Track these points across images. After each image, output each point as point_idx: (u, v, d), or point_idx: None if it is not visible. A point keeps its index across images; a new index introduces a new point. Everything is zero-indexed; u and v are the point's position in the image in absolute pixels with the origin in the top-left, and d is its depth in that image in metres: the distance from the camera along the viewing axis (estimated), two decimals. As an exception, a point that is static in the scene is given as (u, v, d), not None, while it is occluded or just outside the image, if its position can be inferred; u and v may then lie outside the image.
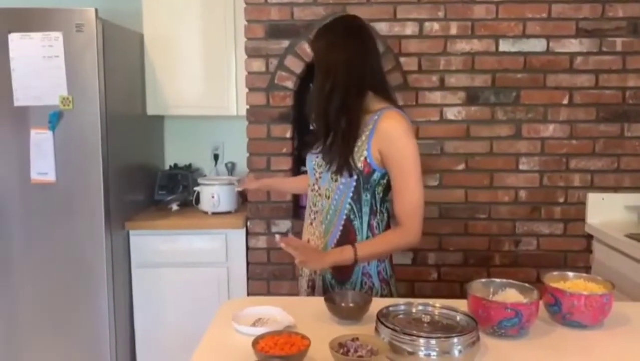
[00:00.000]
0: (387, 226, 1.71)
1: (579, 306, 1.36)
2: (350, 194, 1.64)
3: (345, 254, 1.59)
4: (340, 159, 1.60)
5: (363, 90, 1.63)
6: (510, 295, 1.39)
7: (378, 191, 1.66)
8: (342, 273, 1.68)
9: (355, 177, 1.61)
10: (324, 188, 1.67)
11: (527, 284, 1.42)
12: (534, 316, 1.33)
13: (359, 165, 1.60)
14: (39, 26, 2.37)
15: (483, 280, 1.46)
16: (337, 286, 1.69)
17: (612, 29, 2.53)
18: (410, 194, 1.59)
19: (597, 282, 1.46)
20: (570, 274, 1.51)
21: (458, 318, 1.29)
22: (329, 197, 1.66)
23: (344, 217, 1.65)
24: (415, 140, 1.61)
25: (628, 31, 2.52)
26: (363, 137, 1.60)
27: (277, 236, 1.56)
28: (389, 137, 1.58)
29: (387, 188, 1.67)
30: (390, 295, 1.74)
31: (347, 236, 1.66)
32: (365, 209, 1.65)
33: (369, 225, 1.66)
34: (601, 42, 2.54)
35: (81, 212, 2.47)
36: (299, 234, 2.61)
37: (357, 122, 1.61)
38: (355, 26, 1.67)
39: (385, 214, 1.70)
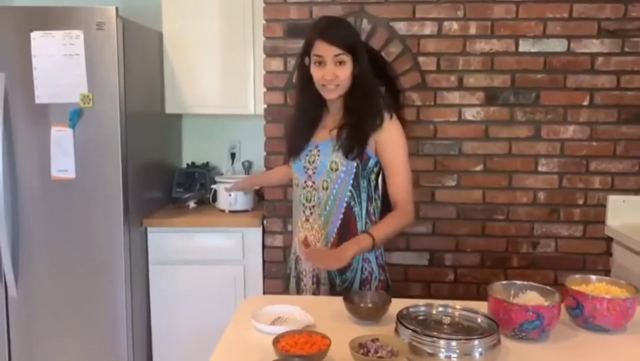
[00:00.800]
0: (382, 213, 1.79)
1: (602, 310, 1.35)
2: (351, 181, 1.72)
3: (364, 242, 1.64)
4: (365, 137, 1.70)
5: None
6: (531, 298, 1.38)
7: (372, 179, 1.77)
8: None
9: (355, 164, 1.71)
10: (320, 181, 1.74)
11: (548, 287, 1.41)
12: (556, 319, 1.32)
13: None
14: (61, 25, 2.39)
15: (504, 282, 1.45)
16: (339, 275, 1.74)
17: (635, 30, 2.49)
18: (404, 177, 1.73)
19: (620, 286, 1.44)
20: (593, 277, 1.49)
21: (479, 319, 1.28)
22: (327, 188, 1.73)
23: (345, 205, 1.73)
24: (404, 135, 1.76)
25: (650, 31, 2.49)
26: None
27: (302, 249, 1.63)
28: (387, 128, 1.71)
29: (378, 175, 1.79)
30: (387, 281, 1.83)
31: (348, 223, 1.74)
32: (364, 196, 1.75)
33: (367, 211, 1.76)
34: (623, 42, 2.50)
35: (100, 209, 2.49)
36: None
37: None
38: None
39: (379, 202, 1.81)
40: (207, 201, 2.93)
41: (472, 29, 2.53)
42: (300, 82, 1.80)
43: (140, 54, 2.70)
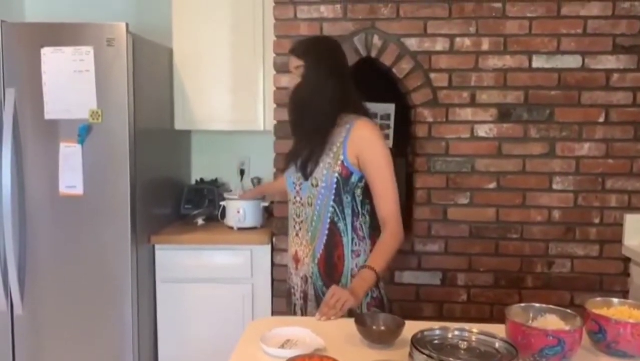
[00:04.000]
0: (371, 228, 1.78)
1: (625, 335, 1.29)
2: (332, 196, 1.73)
3: (369, 279, 1.64)
4: (312, 158, 1.74)
5: (335, 116, 1.75)
6: (551, 321, 1.33)
7: (358, 194, 1.76)
8: (332, 278, 1.74)
9: (335, 180, 1.71)
10: (305, 197, 1.77)
11: (568, 310, 1.35)
12: (577, 344, 1.26)
13: (337, 168, 1.71)
14: (71, 41, 2.39)
15: (522, 304, 1.40)
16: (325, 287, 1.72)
17: (650, 46, 2.46)
18: (392, 196, 1.71)
19: (643, 309, 1.39)
20: (615, 300, 1.44)
21: (497, 344, 1.23)
22: (311, 204, 1.75)
23: (329, 220, 1.74)
24: (385, 143, 1.75)
25: (667, 48, 2.45)
26: (338, 144, 1.72)
27: (317, 316, 1.59)
28: (364, 143, 1.70)
29: (366, 190, 1.77)
30: (381, 298, 1.77)
31: (333, 239, 1.74)
32: (348, 211, 1.74)
33: (353, 226, 1.75)
34: (639, 58, 2.46)
35: (108, 225, 2.47)
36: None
37: (326, 139, 1.74)
38: (332, 48, 1.81)
39: (367, 217, 1.79)
40: (215, 218, 2.90)
41: (485, 44, 2.50)
42: None
43: (150, 70, 2.70)
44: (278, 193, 2.48)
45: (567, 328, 1.28)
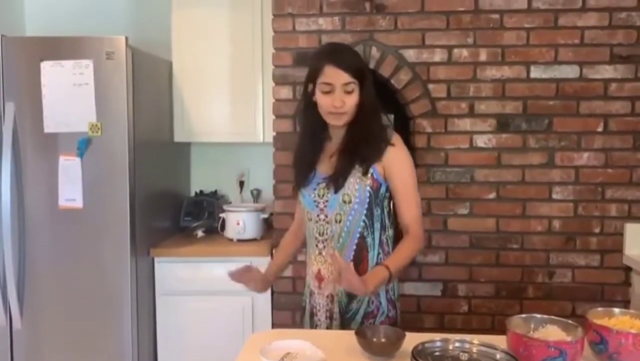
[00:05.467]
0: (395, 242, 1.74)
1: (627, 346, 1.28)
2: (365, 211, 1.68)
3: (381, 274, 1.59)
4: (346, 172, 1.68)
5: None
6: (552, 332, 1.32)
7: (385, 205, 1.73)
8: (351, 294, 1.68)
9: (367, 193, 1.67)
10: (333, 214, 1.70)
11: (570, 321, 1.35)
12: (579, 355, 1.25)
13: (368, 182, 1.66)
14: (71, 54, 2.40)
15: (523, 315, 1.39)
16: (346, 305, 1.71)
17: (648, 55, 2.47)
18: (415, 202, 1.71)
19: (645, 319, 1.38)
20: (616, 310, 1.43)
21: (498, 356, 1.22)
22: (340, 221, 1.69)
23: (358, 235, 1.69)
24: (407, 150, 1.74)
25: (664, 57, 2.46)
26: None
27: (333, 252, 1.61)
28: (391, 153, 1.68)
29: (390, 201, 1.74)
30: (396, 318, 1.75)
31: (360, 254, 1.70)
32: (377, 225, 1.71)
33: (380, 241, 1.72)
34: (636, 68, 2.47)
35: (107, 238, 2.47)
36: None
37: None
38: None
39: (392, 231, 1.77)
40: (215, 230, 2.89)
41: (483, 55, 2.51)
42: (306, 112, 1.76)
43: (150, 83, 2.71)
44: (290, 258, 2.05)
45: (568, 339, 1.27)
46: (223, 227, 2.84)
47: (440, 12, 2.50)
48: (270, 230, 2.80)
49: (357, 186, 1.66)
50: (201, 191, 3.19)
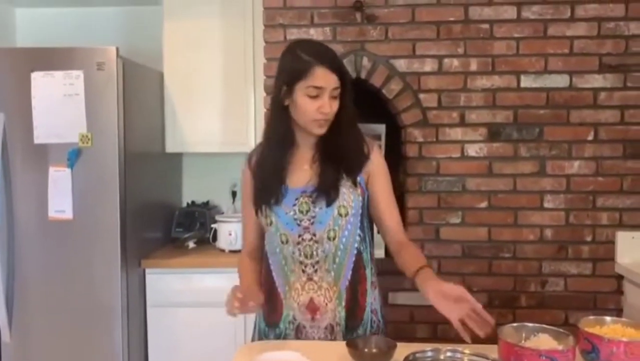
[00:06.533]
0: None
1: (619, 354, 1.28)
2: (359, 223, 1.57)
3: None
4: (337, 183, 1.54)
5: None
6: (544, 341, 1.31)
7: (366, 215, 1.62)
8: (355, 319, 1.58)
9: (360, 203, 1.56)
10: (324, 231, 1.52)
11: (561, 330, 1.34)
12: (571, 364, 1.25)
13: (358, 190, 1.56)
14: (61, 65, 2.40)
15: (514, 324, 1.39)
16: (349, 333, 1.56)
17: (636, 65, 2.48)
18: (396, 207, 1.63)
19: (636, 327, 1.37)
20: (607, 318, 1.42)
21: (489, 365, 1.21)
22: (334, 238, 1.53)
23: (355, 252, 1.57)
24: None
25: (653, 66, 2.48)
26: None
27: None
28: (374, 158, 1.60)
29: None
30: (380, 327, 1.64)
31: (357, 273, 1.57)
32: (368, 237, 1.61)
33: (371, 256, 1.62)
34: (625, 77, 2.49)
35: (98, 250, 2.45)
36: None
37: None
38: None
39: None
40: (207, 241, 2.88)
41: (473, 65, 2.52)
42: (276, 116, 1.56)
43: (141, 94, 2.70)
44: (254, 270, 1.73)
45: (560, 347, 1.27)
46: (215, 238, 2.83)
47: (430, 22, 2.52)
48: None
49: (351, 196, 1.54)
50: (193, 202, 3.17)
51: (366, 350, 1.39)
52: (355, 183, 1.56)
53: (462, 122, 2.53)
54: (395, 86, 2.53)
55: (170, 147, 2.95)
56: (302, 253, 1.55)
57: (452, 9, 2.51)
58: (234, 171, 3.20)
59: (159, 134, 2.93)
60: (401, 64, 2.53)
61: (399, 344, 1.39)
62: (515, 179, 2.53)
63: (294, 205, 1.53)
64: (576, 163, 2.52)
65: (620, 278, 2.51)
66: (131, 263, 2.55)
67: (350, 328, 1.57)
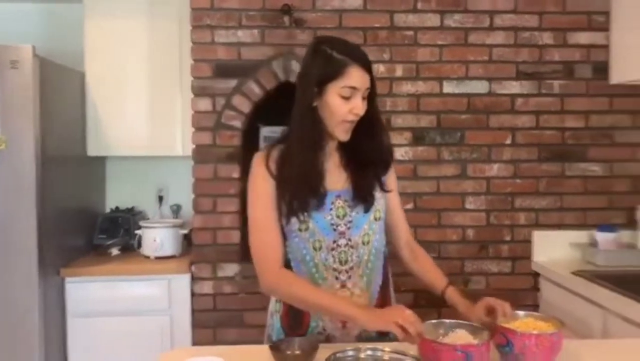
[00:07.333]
0: None
1: (530, 346, 1.33)
2: (384, 227, 1.56)
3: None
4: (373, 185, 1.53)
5: None
6: (461, 336, 1.35)
7: None
8: None
9: (384, 207, 1.55)
10: (359, 237, 1.48)
11: (477, 324, 1.39)
12: (485, 357, 1.29)
13: (385, 195, 1.55)
14: (-29, 62, 2.26)
15: (433, 321, 1.42)
16: (379, 339, 1.45)
17: (549, 73, 2.63)
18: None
19: (546, 320, 1.44)
20: (521, 313, 1.49)
21: (408, 362, 1.24)
22: (368, 242, 1.50)
23: (383, 255, 1.56)
24: None
25: (564, 74, 2.62)
26: None
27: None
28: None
29: None
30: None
31: (386, 278, 1.58)
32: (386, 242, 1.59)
33: (386, 260, 1.59)
34: (540, 84, 2.63)
35: (13, 258, 2.32)
36: (247, 278, 2.53)
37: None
38: None
39: None
40: (132, 248, 2.79)
41: (399, 71, 2.58)
42: (305, 118, 1.45)
43: (60, 95, 2.58)
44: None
45: (475, 342, 1.31)
46: (140, 244, 2.74)
47: (357, 28, 2.56)
48: (189, 246, 2.73)
49: (382, 200, 1.52)
50: (117, 208, 3.06)
51: (289, 352, 1.38)
52: (382, 186, 1.53)
53: (388, 127, 2.58)
54: (323, 90, 2.55)
55: (93, 150, 2.84)
56: (337, 260, 1.48)
57: (378, 15, 2.56)
58: (160, 176, 3.13)
59: (80, 136, 2.81)
60: (329, 69, 2.55)
61: (322, 345, 1.39)
62: (438, 181, 2.61)
63: (331, 210, 1.47)
64: (495, 166, 2.63)
65: (536, 275, 2.64)
66: (49, 271, 2.43)
67: (381, 333, 1.45)
